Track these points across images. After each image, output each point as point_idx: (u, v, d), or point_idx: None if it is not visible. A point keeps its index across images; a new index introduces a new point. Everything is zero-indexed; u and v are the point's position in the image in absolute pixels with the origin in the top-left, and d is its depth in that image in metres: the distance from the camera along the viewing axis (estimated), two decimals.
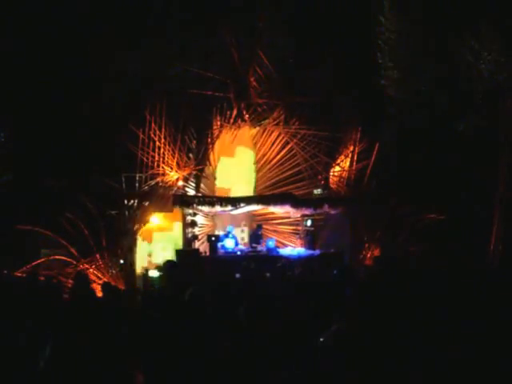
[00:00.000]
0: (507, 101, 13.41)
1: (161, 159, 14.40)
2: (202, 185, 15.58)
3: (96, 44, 14.36)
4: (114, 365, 5.25)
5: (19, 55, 14.16)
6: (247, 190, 16.41)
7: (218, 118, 15.46)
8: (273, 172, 16.68)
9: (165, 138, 14.40)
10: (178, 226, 15.15)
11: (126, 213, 13.83)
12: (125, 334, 5.92)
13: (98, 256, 13.18)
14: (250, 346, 5.39)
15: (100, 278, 12.94)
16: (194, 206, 14.55)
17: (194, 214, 14.98)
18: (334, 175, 16.11)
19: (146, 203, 13.85)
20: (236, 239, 15.29)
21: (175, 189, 14.60)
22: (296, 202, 15.33)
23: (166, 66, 14.46)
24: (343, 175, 15.96)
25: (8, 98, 13.72)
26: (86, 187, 13.21)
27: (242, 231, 16.34)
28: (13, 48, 14.09)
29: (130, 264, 13.69)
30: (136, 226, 13.84)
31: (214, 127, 15.51)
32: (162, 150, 14.39)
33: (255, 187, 16.80)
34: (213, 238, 14.59)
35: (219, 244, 14.74)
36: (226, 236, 15.14)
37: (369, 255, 15.19)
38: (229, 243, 14.92)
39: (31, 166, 14.13)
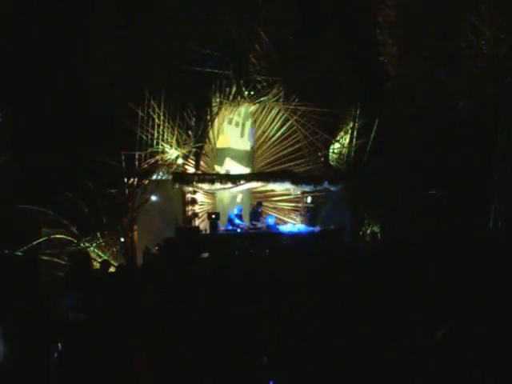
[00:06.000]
0: (507, 77, 13.33)
1: (160, 137, 14.38)
2: (201, 162, 15.56)
3: (95, 21, 14.25)
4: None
5: (17, 32, 14.05)
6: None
7: (218, 95, 15.39)
8: (273, 149, 16.67)
9: (164, 116, 14.35)
10: None
11: (126, 191, 13.86)
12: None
13: (98, 234, 13.24)
14: None
15: (101, 257, 13.01)
16: (194, 183, 14.57)
17: (194, 192, 15.02)
18: (333, 152, 16.10)
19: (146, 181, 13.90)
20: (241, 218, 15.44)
21: (175, 166, 14.61)
22: (296, 179, 15.35)
23: (165, 43, 14.34)
24: (343, 152, 15.95)
25: (6, 76, 13.64)
26: (86, 166, 13.20)
27: None
28: (11, 26, 13.98)
29: (131, 242, 13.78)
30: (136, 204, 13.90)
31: (214, 104, 15.45)
32: (161, 127, 14.36)
33: (255, 164, 16.79)
34: (213, 216, 14.64)
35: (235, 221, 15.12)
36: (238, 216, 15.29)
37: (369, 231, 15.25)
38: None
39: (30, 144, 14.09)
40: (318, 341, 5.18)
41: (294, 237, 14.50)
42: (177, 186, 14.47)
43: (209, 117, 15.40)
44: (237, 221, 15.17)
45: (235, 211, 15.43)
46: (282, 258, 9.75)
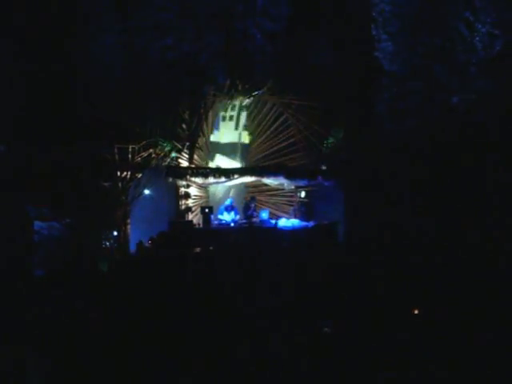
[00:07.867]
0: (502, 74, 13.34)
1: (154, 130, 14.29)
2: (195, 156, 15.49)
3: (91, 14, 14.20)
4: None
5: (18, 25, 13.98)
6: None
7: (212, 88, 15.30)
8: (267, 143, 16.59)
9: (158, 109, 14.25)
10: None
11: (120, 184, 13.81)
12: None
13: (91, 228, 13.19)
14: None
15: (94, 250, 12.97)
16: (188, 177, 14.52)
17: (188, 186, 14.96)
18: (327, 147, 16.04)
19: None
20: (236, 211, 15.40)
21: (168, 160, 14.55)
22: (290, 174, 15.32)
23: (159, 36, 14.29)
24: (337, 147, 15.89)
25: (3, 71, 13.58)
26: (79, 159, 13.14)
27: None
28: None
29: (124, 235, 13.74)
30: (129, 198, 13.85)
31: (208, 97, 15.36)
32: (155, 120, 14.27)
33: (249, 158, 16.71)
34: (206, 210, 14.61)
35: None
36: (227, 209, 15.24)
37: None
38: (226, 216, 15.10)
39: (24, 137, 14.02)
40: None
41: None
42: (170, 179, 14.42)
43: (203, 110, 15.31)
44: (220, 216, 15.14)
45: (226, 203, 15.41)
46: None
